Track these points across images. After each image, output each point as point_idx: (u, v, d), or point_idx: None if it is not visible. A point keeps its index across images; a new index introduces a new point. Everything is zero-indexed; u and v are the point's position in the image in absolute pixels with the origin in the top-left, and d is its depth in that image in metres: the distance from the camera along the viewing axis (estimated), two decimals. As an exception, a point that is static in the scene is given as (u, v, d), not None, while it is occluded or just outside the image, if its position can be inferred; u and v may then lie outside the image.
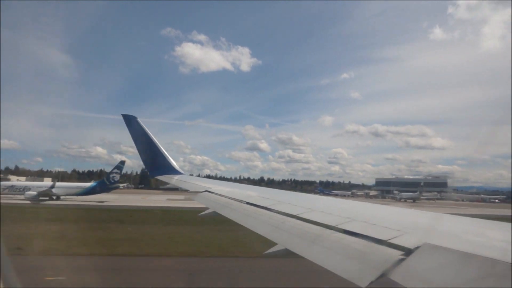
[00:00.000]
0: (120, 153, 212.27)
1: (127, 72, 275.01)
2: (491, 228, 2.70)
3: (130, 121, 10.89)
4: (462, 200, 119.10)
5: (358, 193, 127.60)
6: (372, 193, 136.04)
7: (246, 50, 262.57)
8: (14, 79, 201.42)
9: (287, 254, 3.15)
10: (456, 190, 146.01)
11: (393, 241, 2.50)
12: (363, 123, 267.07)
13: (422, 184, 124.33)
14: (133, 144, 10.97)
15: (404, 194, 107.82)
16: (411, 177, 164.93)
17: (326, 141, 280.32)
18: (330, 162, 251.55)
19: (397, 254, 2.32)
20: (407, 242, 2.41)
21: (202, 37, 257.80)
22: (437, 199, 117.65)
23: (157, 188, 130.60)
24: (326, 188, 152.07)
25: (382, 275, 2.17)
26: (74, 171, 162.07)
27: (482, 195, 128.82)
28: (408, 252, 2.29)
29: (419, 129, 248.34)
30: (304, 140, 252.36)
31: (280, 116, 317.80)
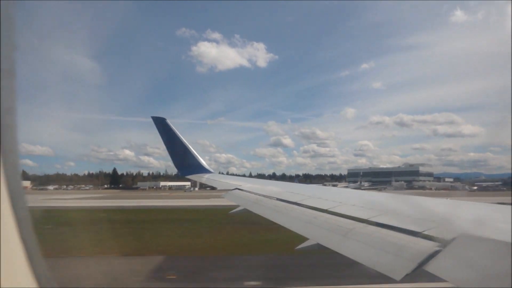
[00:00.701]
0: (147, 154, 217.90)
1: (148, 75, 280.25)
2: None
3: (160, 123, 11.18)
4: (430, 189, 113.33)
5: (328, 185, 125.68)
6: (341, 185, 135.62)
7: (261, 46, 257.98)
8: (45, 86, 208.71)
9: (320, 249, 3.16)
10: (438, 178, 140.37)
11: (427, 232, 2.47)
12: (387, 114, 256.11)
13: (361, 173, 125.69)
14: (159, 145, 11.05)
15: (351, 185, 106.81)
16: (384, 166, 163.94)
17: (351, 133, 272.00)
18: (356, 155, 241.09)
19: (433, 245, 2.29)
20: (443, 233, 2.38)
21: (216, 35, 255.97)
22: (396, 188, 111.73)
23: (131, 188, 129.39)
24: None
25: (418, 268, 2.14)
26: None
27: (452, 183, 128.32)
28: (444, 243, 2.25)
29: (447, 116, 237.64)
30: (328, 134, 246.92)
31: (302, 111, 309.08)
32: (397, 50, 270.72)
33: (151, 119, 11.16)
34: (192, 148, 11.22)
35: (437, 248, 2.25)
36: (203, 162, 11.20)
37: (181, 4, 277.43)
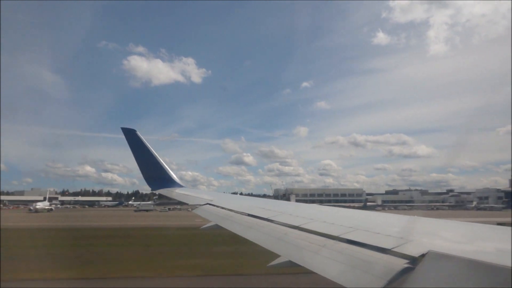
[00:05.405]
0: (108, 171, 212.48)
1: (103, 90, 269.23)
2: (496, 233, 2.70)
3: (130, 134, 10.68)
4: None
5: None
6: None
7: (191, 60, 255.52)
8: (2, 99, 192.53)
9: (291, 266, 3.12)
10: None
11: (397, 249, 2.51)
12: (340, 133, 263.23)
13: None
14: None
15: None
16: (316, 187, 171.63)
17: (309, 152, 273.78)
18: (321, 174, 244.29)
19: (402, 262, 2.33)
20: (411, 250, 2.43)
21: (141, 48, 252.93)
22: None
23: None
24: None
25: (387, 285, 2.17)
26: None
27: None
28: (412, 260, 2.31)
29: (398, 137, 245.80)
30: (286, 152, 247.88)
31: (257, 129, 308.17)
32: (342, 74, 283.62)
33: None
34: (163, 162, 10.85)
35: (406, 265, 2.30)
36: (174, 176, 10.81)
37: (98, 17, 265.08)
